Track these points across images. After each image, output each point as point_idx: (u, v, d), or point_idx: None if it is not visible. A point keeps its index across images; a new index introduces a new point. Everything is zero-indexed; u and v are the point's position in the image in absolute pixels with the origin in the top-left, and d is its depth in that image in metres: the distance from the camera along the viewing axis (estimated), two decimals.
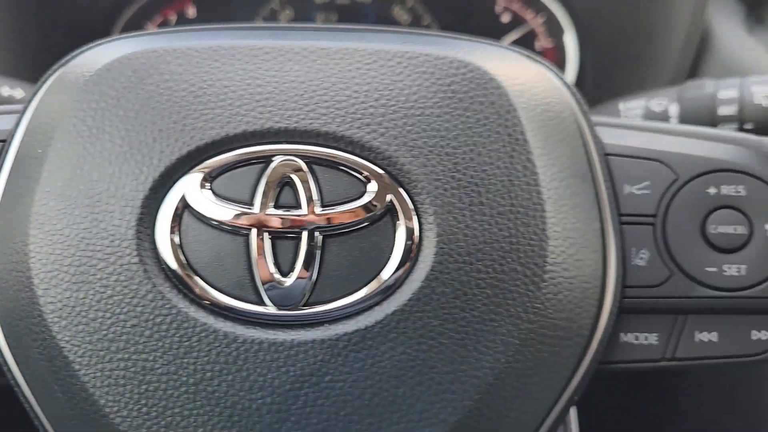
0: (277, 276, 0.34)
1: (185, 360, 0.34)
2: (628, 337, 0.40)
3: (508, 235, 0.35)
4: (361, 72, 0.36)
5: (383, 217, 0.35)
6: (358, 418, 0.35)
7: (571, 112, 0.40)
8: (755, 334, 0.39)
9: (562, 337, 0.37)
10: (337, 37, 0.37)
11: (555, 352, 0.37)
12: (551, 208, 0.36)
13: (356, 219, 0.35)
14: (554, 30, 0.83)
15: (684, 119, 0.56)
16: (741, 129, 0.55)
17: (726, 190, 0.39)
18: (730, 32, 0.67)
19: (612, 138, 0.41)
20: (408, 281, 0.35)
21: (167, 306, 0.34)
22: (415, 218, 0.35)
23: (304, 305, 0.35)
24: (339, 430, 0.35)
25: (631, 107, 0.58)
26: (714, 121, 0.55)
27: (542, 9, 0.83)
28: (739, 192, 0.39)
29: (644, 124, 0.43)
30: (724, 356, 0.40)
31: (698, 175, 0.40)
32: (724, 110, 0.54)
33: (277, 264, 0.35)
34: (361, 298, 0.35)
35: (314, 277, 0.35)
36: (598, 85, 0.77)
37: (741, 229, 0.39)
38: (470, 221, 0.35)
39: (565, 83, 0.41)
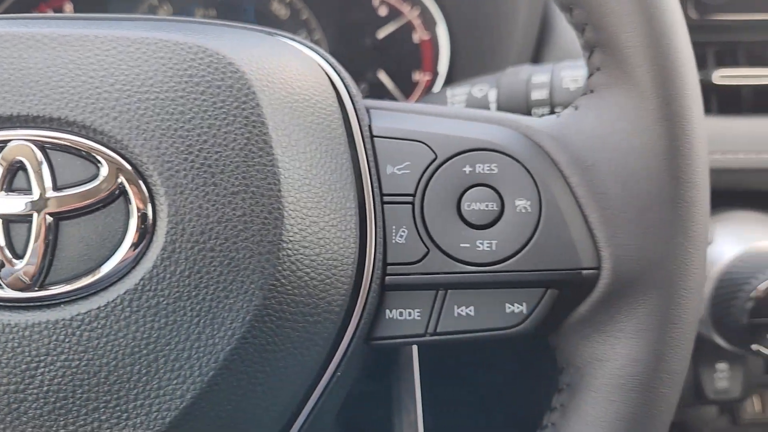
0: (11, 258, 0.35)
1: None
2: (393, 314, 0.41)
3: (242, 214, 0.36)
4: (99, 58, 0.36)
5: (117, 199, 0.36)
6: (96, 395, 0.35)
7: (331, 95, 0.41)
8: (509, 308, 0.41)
9: (308, 313, 0.38)
10: (80, 25, 0.38)
11: (302, 328, 0.38)
12: (289, 188, 0.37)
13: (88, 202, 0.35)
14: (429, 22, 0.84)
15: (501, 104, 0.57)
16: (552, 112, 0.56)
17: (480, 168, 0.40)
18: None
19: (384, 121, 0.42)
20: (142, 261, 0.36)
21: None
22: (148, 200, 0.36)
23: (38, 287, 0.35)
24: (77, 407, 0.35)
25: (457, 94, 0.59)
26: (528, 105, 0.56)
27: (417, 2, 0.84)
28: (492, 170, 0.40)
29: (417, 107, 0.44)
30: (482, 330, 0.41)
31: (455, 155, 0.41)
32: (536, 95, 0.56)
33: (11, 247, 0.35)
34: (96, 279, 0.35)
35: (48, 259, 0.35)
36: (468, 73, 0.79)
37: (493, 206, 0.40)
38: (203, 201, 0.36)
39: (336, 69, 0.42)
